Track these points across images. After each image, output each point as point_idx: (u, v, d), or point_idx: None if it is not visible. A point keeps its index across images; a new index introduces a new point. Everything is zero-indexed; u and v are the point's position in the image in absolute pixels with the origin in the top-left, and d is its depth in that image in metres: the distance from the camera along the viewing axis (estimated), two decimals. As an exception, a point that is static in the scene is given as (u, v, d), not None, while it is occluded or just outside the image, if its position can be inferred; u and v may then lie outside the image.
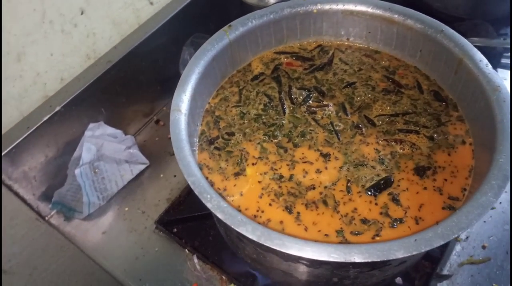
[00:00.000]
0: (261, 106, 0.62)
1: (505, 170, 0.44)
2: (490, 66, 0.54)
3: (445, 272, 0.64)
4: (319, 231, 0.49)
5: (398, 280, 0.63)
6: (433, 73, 0.63)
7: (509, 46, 0.84)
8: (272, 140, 0.59)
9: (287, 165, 0.56)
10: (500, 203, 0.70)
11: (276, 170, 0.56)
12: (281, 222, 0.51)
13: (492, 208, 0.68)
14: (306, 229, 0.50)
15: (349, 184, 0.53)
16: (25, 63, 0.64)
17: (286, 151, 0.58)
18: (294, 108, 0.62)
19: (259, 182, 0.55)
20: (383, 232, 0.49)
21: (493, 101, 0.50)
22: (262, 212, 0.52)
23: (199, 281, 0.66)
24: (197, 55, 0.58)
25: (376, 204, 0.52)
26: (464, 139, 0.56)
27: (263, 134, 0.59)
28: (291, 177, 0.55)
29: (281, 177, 0.55)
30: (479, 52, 0.56)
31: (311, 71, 0.66)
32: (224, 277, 0.66)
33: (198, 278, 0.66)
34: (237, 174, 0.56)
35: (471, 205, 0.42)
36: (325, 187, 0.53)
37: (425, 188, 0.53)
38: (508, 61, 0.87)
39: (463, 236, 0.67)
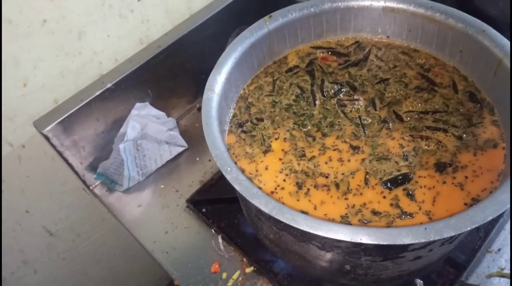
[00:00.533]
0: (293, 97, 0.64)
1: (530, 170, 0.43)
2: (530, 68, 0.52)
3: (471, 281, 0.62)
4: (325, 214, 0.50)
5: (420, 283, 0.62)
6: (472, 75, 0.61)
7: None
8: (301, 129, 0.60)
9: (312, 150, 0.58)
10: (539, 217, 0.66)
11: (301, 149, 0.58)
12: (292, 194, 0.53)
13: (529, 222, 0.65)
14: (315, 208, 0.51)
15: (367, 176, 0.53)
16: (84, 41, 0.71)
17: (314, 139, 0.59)
18: (325, 100, 0.63)
19: (280, 159, 0.57)
20: (394, 224, 0.49)
21: (529, 103, 0.48)
22: (282, 188, 0.54)
23: (221, 260, 0.69)
24: (236, 42, 0.61)
25: (387, 197, 0.52)
26: (496, 143, 0.55)
27: (293, 123, 0.61)
28: (312, 158, 0.56)
29: (303, 155, 0.57)
30: (521, 54, 0.54)
31: (346, 66, 0.66)
32: (245, 260, 0.68)
33: (220, 257, 0.69)
34: (265, 152, 0.58)
35: (489, 201, 0.42)
36: (342, 174, 0.54)
37: (444, 183, 0.52)
38: None
39: (495, 248, 0.64)
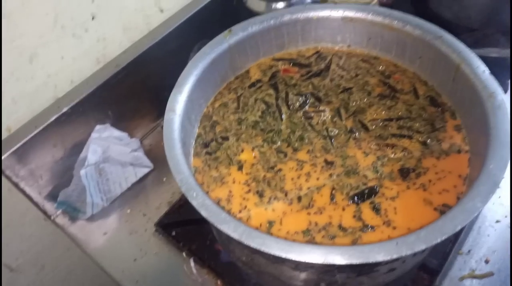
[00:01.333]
0: (259, 113, 0.63)
1: (495, 175, 0.43)
2: (487, 72, 0.53)
3: (445, 285, 0.62)
4: (287, 231, 0.50)
5: (396, 292, 0.61)
6: (433, 80, 0.62)
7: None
8: (271, 146, 0.59)
9: (285, 165, 0.57)
10: (506, 216, 0.67)
11: (273, 163, 0.57)
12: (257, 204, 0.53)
13: (497, 221, 0.67)
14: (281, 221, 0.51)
15: (333, 191, 0.53)
16: (37, 64, 0.67)
17: (286, 155, 0.58)
18: (291, 113, 0.62)
19: (247, 173, 0.56)
20: (360, 240, 0.48)
21: (488, 107, 0.49)
22: (247, 199, 0.54)
23: (195, 285, 0.66)
24: (196, 58, 0.60)
25: (352, 211, 0.51)
26: (460, 148, 0.55)
27: (262, 141, 0.60)
28: (278, 171, 0.55)
29: (272, 167, 0.56)
30: (477, 58, 0.55)
31: (308, 77, 0.66)
32: (219, 282, 0.66)
33: (194, 282, 0.67)
34: (236, 168, 0.57)
35: (457, 210, 0.41)
36: (308, 188, 0.53)
37: (408, 189, 0.52)
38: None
39: (465, 250, 0.65)
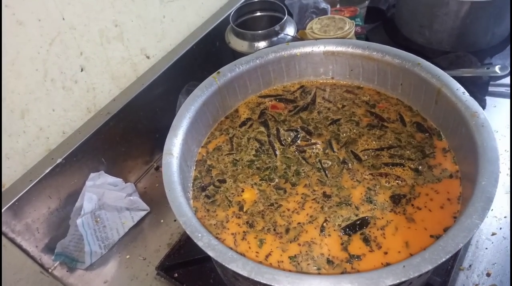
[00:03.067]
0: (253, 152, 0.64)
1: (488, 192, 0.45)
2: (467, 93, 0.56)
3: (451, 303, 0.63)
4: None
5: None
6: (416, 105, 0.65)
7: (494, 75, 0.87)
8: (270, 184, 0.60)
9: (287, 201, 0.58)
10: (501, 228, 0.69)
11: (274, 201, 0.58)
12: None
13: (493, 234, 0.68)
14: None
15: (324, 223, 0.54)
16: (29, 119, 0.68)
17: (285, 191, 0.59)
18: (284, 149, 0.64)
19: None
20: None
21: (472, 126, 0.52)
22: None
23: (201, 326, 0.65)
24: (188, 101, 0.62)
25: (341, 243, 0.52)
26: (452, 174, 0.57)
27: (260, 179, 0.61)
28: (279, 207, 0.56)
29: (272, 204, 0.57)
30: (455, 81, 0.58)
31: (296, 112, 0.68)
32: (226, 322, 0.65)
33: (200, 323, 0.66)
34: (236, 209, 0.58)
35: (456, 228, 0.43)
36: (298, 223, 0.55)
37: (409, 227, 0.53)
38: (495, 89, 0.89)
39: (466, 264, 0.66)
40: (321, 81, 0.72)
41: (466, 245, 0.68)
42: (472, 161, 0.51)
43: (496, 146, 0.49)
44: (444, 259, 0.41)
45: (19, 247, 0.70)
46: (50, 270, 0.76)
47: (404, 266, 0.41)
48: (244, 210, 0.57)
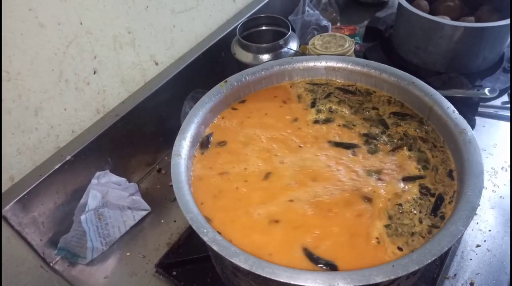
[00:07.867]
0: None
1: (472, 202, 0.49)
2: (456, 112, 0.60)
3: (435, 310, 0.67)
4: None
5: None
6: (410, 121, 0.69)
7: (483, 97, 0.92)
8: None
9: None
10: (485, 241, 0.73)
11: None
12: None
13: (477, 246, 0.72)
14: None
15: None
16: (41, 117, 0.71)
17: None
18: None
19: None
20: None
21: (460, 142, 0.56)
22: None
23: (197, 324, 0.68)
24: (197, 107, 0.65)
25: None
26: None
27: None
28: None
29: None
30: (447, 100, 0.62)
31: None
32: (221, 320, 0.68)
33: (196, 321, 0.68)
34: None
35: (442, 234, 0.47)
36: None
37: None
38: (485, 110, 0.95)
39: (451, 273, 0.70)
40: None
41: (451, 255, 0.72)
42: (458, 174, 0.55)
43: (481, 161, 0.53)
44: (429, 261, 0.45)
45: (25, 239, 0.73)
46: (51, 264, 0.78)
47: (393, 266, 0.44)
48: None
